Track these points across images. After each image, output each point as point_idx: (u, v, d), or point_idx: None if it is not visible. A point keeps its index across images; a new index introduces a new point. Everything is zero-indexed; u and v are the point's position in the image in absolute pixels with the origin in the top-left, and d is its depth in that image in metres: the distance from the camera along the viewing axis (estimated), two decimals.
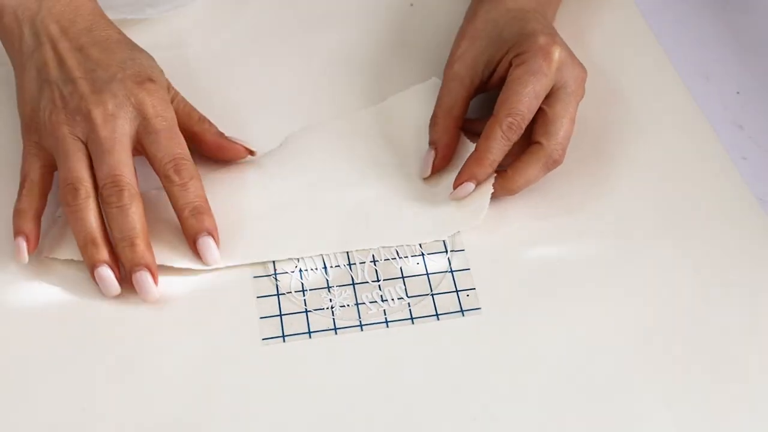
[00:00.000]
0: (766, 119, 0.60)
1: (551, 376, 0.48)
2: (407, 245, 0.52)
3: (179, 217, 0.50)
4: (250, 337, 0.48)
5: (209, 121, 0.54)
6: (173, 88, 0.54)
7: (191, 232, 0.50)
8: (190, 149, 0.51)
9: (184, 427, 0.45)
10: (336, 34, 0.63)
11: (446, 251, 0.52)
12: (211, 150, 0.54)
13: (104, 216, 0.49)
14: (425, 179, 0.54)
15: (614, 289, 0.51)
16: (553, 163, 0.53)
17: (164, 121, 0.50)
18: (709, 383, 0.48)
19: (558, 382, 0.47)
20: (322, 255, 0.52)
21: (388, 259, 0.52)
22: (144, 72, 0.51)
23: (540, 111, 0.53)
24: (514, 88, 0.52)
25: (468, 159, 0.53)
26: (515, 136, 0.52)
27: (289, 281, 0.51)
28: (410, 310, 0.50)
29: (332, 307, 0.50)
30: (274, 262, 0.51)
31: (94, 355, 0.48)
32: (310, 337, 0.49)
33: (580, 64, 0.54)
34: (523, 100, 0.52)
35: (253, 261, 0.51)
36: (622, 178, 0.56)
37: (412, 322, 0.50)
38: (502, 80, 0.54)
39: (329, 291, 0.50)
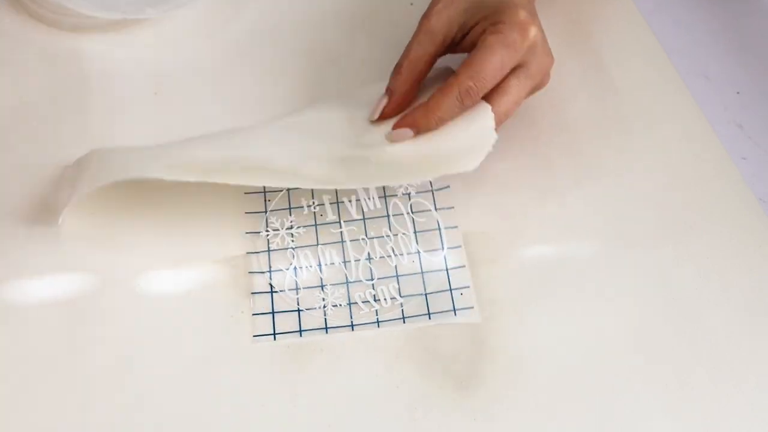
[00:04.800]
0: (766, 119, 0.60)
1: (546, 376, 0.48)
2: (402, 237, 0.53)
3: None
4: (242, 334, 0.49)
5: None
6: None
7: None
8: None
9: (178, 424, 0.45)
10: (336, 35, 0.63)
11: (443, 248, 0.52)
12: None
13: None
14: (373, 121, 0.54)
15: (613, 288, 0.51)
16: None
17: None
18: (708, 383, 0.48)
19: (554, 383, 0.47)
20: (318, 254, 0.52)
21: (383, 257, 0.52)
22: None
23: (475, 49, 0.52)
24: (483, 55, 0.51)
25: (417, 106, 0.52)
26: (470, 103, 0.51)
27: (283, 279, 0.51)
28: (402, 310, 0.50)
29: (324, 307, 0.50)
30: (269, 259, 0.51)
31: (92, 354, 0.48)
32: (300, 335, 0.49)
33: (551, 54, 0.54)
34: (488, 67, 0.50)
35: (245, 183, 0.50)
36: (622, 178, 0.56)
37: (404, 322, 0.50)
38: (473, 46, 0.53)
39: (322, 290, 0.51)
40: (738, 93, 0.62)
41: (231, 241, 0.52)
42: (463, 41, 0.54)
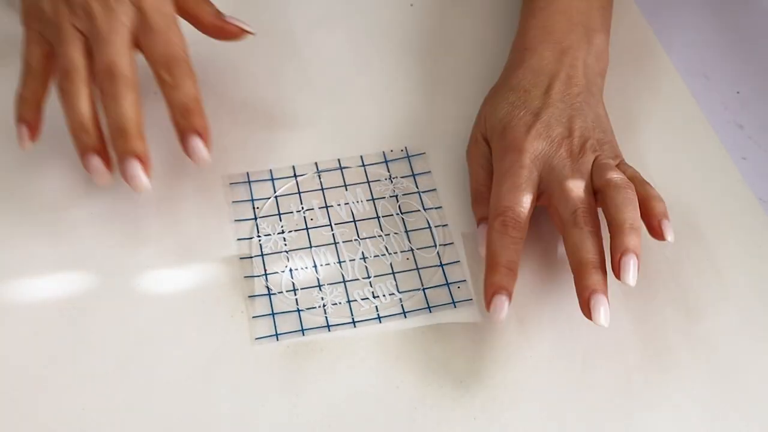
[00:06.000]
0: (766, 119, 0.60)
1: (545, 376, 0.48)
2: (394, 236, 0.53)
3: (171, 117, 0.50)
4: (241, 335, 0.48)
5: (207, 1, 0.54)
6: None
7: (180, 131, 0.50)
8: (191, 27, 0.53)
9: (178, 424, 0.45)
10: (336, 34, 0.63)
11: (435, 245, 0.53)
12: (208, 31, 0.54)
13: (101, 106, 0.49)
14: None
15: (612, 288, 0.51)
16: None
17: (160, 17, 0.50)
18: (708, 384, 0.48)
19: (554, 383, 0.47)
20: (312, 256, 0.52)
21: (378, 256, 0.52)
22: None
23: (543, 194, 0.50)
24: (495, 187, 0.49)
25: (485, 271, 0.47)
26: (517, 232, 0.47)
27: (279, 280, 0.51)
28: (402, 305, 0.50)
29: (324, 305, 0.50)
30: (264, 262, 0.51)
31: (92, 355, 0.48)
32: (303, 334, 0.49)
33: (563, 125, 0.50)
34: (503, 197, 0.48)
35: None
36: None
37: (405, 316, 0.50)
38: None
39: (320, 290, 0.51)
40: (738, 93, 0.62)
41: (224, 246, 0.52)
42: None
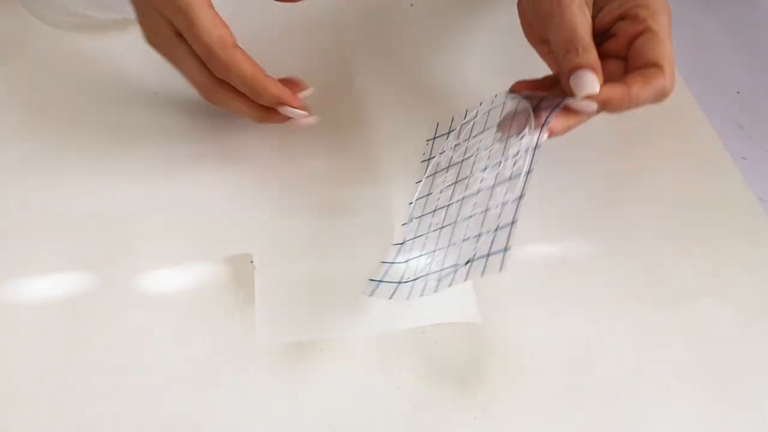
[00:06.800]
0: (766, 119, 0.60)
1: (545, 376, 0.48)
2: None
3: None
4: (242, 337, 0.48)
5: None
6: None
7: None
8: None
9: (177, 424, 0.45)
10: (336, 35, 0.63)
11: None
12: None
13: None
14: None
15: (613, 288, 0.51)
16: (665, 95, 0.47)
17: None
18: (708, 384, 0.48)
19: (554, 383, 0.47)
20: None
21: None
22: None
23: (654, 35, 0.48)
24: (666, 49, 0.47)
25: (607, 84, 0.46)
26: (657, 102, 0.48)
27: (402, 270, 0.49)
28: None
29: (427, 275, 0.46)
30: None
31: (92, 355, 0.48)
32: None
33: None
34: (673, 64, 0.47)
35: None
36: (622, 178, 0.56)
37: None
38: (603, 30, 0.49)
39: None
40: (738, 93, 0.62)
41: (224, 246, 0.52)
42: (594, 21, 0.49)
